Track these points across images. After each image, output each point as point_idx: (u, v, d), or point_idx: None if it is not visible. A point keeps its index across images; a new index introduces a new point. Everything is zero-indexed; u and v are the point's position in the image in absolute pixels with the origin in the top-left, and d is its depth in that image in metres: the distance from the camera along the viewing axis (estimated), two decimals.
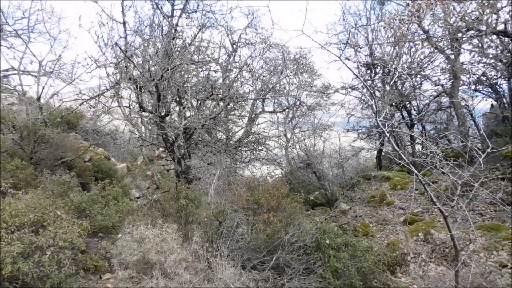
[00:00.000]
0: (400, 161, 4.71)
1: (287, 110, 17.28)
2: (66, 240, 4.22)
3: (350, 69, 14.83)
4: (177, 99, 8.11)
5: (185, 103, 7.16)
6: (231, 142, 9.27)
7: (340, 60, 11.18)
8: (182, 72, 8.42)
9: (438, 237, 5.81)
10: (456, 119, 12.44)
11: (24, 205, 4.50)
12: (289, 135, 17.50)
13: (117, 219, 5.41)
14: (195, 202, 5.60)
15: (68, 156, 9.67)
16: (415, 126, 14.30)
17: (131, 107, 7.58)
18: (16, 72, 9.27)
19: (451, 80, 11.81)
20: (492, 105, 14.27)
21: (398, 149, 4.63)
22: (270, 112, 16.42)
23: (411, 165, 4.31)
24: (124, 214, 5.84)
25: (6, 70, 10.69)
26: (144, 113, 8.19)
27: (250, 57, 11.09)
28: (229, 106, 8.77)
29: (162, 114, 8.01)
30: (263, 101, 15.43)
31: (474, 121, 12.71)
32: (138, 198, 11.30)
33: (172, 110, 8.32)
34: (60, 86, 9.30)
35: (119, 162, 14.35)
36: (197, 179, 6.94)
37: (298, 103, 16.86)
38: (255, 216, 5.56)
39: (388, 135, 4.99)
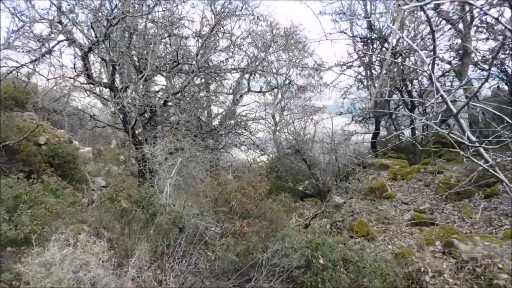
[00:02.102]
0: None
1: (275, 90, 15.80)
2: None
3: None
4: (138, 69, 6.53)
5: (143, 73, 5.60)
6: (203, 124, 7.68)
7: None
8: (146, 38, 6.82)
9: (464, 249, 4.46)
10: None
11: None
12: (277, 118, 16.05)
13: (33, 228, 3.89)
14: (143, 205, 4.10)
15: (10, 140, 8.03)
16: (416, 108, 12.89)
17: (75, 78, 5.96)
18: None
19: (461, 57, 10.38)
20: (498, 87, 12.95)
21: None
22: (256, 92, 14.92)
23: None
24: (51, 218, 4.34)
25: None
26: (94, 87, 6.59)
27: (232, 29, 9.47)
28: (202, 80, 7.20)
29: (119, 88, 6.43)
30: (249, 79, 13.94)
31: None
32: (104, 187, 9.78)
33: (132, 83, 6.71)
34: None
35: (85, 146, 12.74)
36: (150, 172, 5.45)
37: (288, 82, 15.40)
38: (225, 223, 4.11)
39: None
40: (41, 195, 4.62)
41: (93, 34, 5.43)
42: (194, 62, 6.02)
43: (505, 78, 11.97)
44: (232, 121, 9.03)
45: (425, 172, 9.57)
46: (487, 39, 11.42)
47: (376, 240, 6.54)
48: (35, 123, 8.15)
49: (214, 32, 7.11)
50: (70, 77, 5.93)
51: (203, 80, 7.78)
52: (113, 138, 16.30)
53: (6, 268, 3.69)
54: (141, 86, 5.66)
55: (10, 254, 4.08)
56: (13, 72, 5.98)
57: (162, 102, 5.81)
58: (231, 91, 8.22)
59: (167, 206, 4.17)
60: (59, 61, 5.90)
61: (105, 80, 6.60)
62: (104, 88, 6.59)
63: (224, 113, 10.86)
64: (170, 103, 6.07)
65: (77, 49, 5.77)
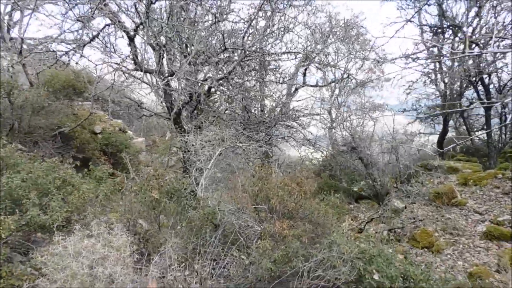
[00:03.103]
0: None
1: (332, 84, 14.93)
2: None
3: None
4: (185, 56, 6.23)
5: (188, 56, 5.26)
6: (251, 115, 7.18)
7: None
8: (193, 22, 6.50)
9: None
10: None
11: None
12: (334, 115, 15.16)
13: (62, 215, 3.68)
14: (176, 196, 3.73)
15: (66, 126, 8.23)
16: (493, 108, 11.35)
17: (121, 64, 5.79)
18: None
19: None
20: None
21: None
22: (312, 86, 14.18)
23: None
24: (83, 205, 4.12)
25: None
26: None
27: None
28: (252, 66, 6.70)
29: (166, 74, 6.18)
30: (305, 73, 13.25)
31: None
32: None
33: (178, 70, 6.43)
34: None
35: (139, 136, 12.97)
36: (189, 162, 5.08)
37: (346, 76, 14.47)
38: (265, 223, 3.60)
39: None
40: (76, 181, 4.44)
41: (136, 17, 5.22)
42: (241, 48, 5.57)
43: None
44: (278, 109, 8.41)
45: (503, 178, 8.31)
46: None
47: (443, 254, 5.65)
48: (89, 111, 8.25)
49: (262, 14, 6.56)
50: (116, 63, 5.78)
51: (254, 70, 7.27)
52: (167, 129, 16.52)
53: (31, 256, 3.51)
54: (185, 72, 5.33)
55: (42, 240, 3.93)
56: (62, 57, 5.95)
57: (206, 88, 5.45)
58: (281, 80, 7.57)
59: (202, 200, 3.76)
60: (107, 46, 5.78)
61: (153, 67, 6.38)
62: (150, 74, 6.38)
63: (276, 107, 10.33)
64: (213, 89, 5.68)
65: (123, 33, 5.60)
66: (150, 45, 6.16)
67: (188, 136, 4.91)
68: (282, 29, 6.67)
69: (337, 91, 15.38)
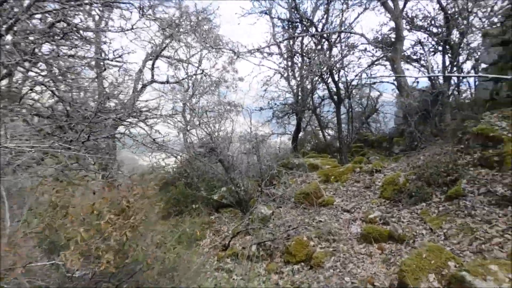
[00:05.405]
0: None
1: (185, 81, 13.48)
2: None
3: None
4: None
5: None
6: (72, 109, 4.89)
7: None
8: None
9: (481, 286, 2.77)
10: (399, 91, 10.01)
11: None
12: (188, 116, 13.70)
13: None
14: None
15: None
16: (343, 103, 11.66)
17: None
18: None
19: (393, 42, 9.33)
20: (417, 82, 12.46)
21: None
22: (162, 83, 12.45)
23: None
24: None
25: None
26: None
27: None
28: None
29: None
30: (153, 66, 11.46)
31: None
32: None
33: None
34: None
35: None
36: None
37: (200, 72, 13.24)
38: None
39: None
40: None
41: None
42: None
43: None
44: (112, 104, 6.36)
45: (361, 172, 8.19)
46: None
47: (325, 268, 4.69)
48: None
49: None
50: None
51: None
52: None
53: None
54: None
55: None
56: None
57: None
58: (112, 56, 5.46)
59: None
60: None
61: None
62: None
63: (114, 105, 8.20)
64: None
65: None
66: None
67: None
68: None
69: (191, 91, 14.14)
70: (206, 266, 5.80)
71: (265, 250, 5.84)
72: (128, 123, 5.74)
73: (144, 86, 11.24)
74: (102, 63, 6.25)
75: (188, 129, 12.37)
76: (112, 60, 4.47)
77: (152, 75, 11.48)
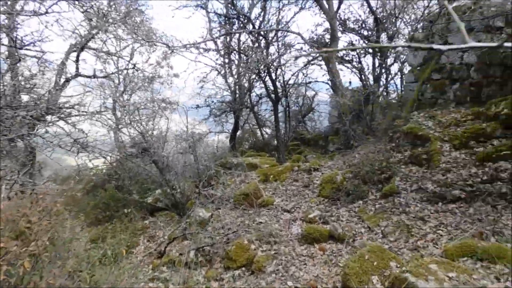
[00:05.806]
0: None
1: (115, 75, 12.57)
2: None
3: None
4: None
5: None
6: None
7: None
8: None
9: (423, 287, 2.77)
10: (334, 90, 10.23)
11: None
12: (119, 113, 12.81)
13: None
14: None
15: None
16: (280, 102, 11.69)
17: None
18: None
19: (328, 41, 9.52)
20: (350, 82, 12.95)
21: None
22: (88, 77, 11.46)
23: None
24: None
25: None
26: None
27: None
28: None
29: None
30: (78, 58, 10.50)
31: None
32: None
33: None
34: None
35: None
36: None
37: (132, 67, 12.43)
38: None
39: None
40: None
41: None
42: None
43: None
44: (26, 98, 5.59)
45: (299, 171, 8.22)
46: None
47: (266, 273, 4.52)
48: None
49: None
50: None
51: None
52: None
53: None
54: None
55: None
56: None
57: None
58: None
59: None
60: None
61: None
62: None
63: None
64: None
65: None
66: None
67: None
68: None
69: (122, 87, 13.24)
70: (139, 277, 5.34)
71: (204, 255, 5.53)
72: (44, 120, 5.06)
73: (67, 80, 10.32)
74: (16, 53, 5.50)
75: (119, 127, 11.56)
76: (21, 48, 3.84)
77: (77, 68, 10.59)
